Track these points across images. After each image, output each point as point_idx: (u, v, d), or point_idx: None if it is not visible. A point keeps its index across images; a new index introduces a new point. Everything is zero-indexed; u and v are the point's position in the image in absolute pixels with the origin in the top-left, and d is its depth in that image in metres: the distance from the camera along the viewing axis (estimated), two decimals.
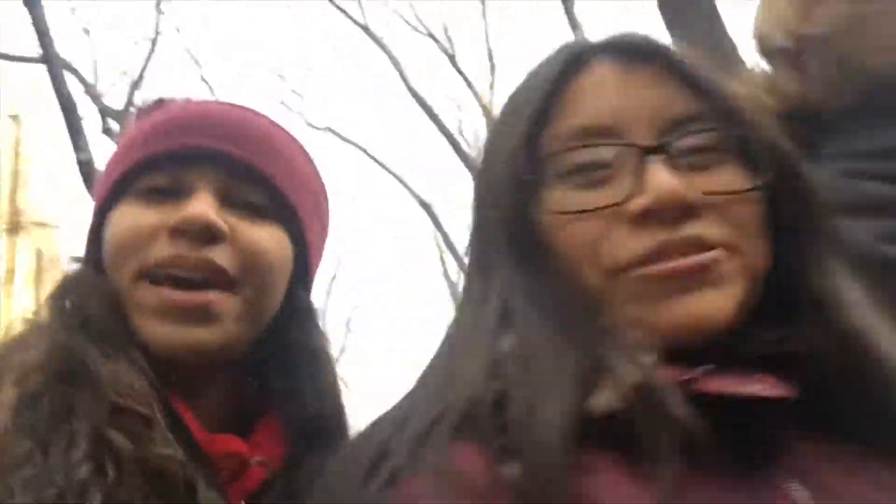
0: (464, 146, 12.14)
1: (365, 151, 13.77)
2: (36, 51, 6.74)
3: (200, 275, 0.67)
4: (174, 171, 0.70)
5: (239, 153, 0.70)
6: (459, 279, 14.94)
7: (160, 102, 0.78)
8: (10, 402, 0.59)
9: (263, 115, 0.77)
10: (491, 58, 13.11)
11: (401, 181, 13.71)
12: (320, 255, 0.82)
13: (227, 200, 0.69)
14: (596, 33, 0.66)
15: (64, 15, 11.44)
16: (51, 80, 5.83)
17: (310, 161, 0.79)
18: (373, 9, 15.45)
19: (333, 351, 0.85)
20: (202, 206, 0.67)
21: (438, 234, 14.23)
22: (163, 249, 0.67)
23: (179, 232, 0.67)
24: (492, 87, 13.02)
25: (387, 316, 29.97)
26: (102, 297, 0.68)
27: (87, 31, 10.99)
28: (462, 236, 15.69)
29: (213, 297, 0.67)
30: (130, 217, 0.69)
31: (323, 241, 0.81)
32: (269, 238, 0.71)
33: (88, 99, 8.22)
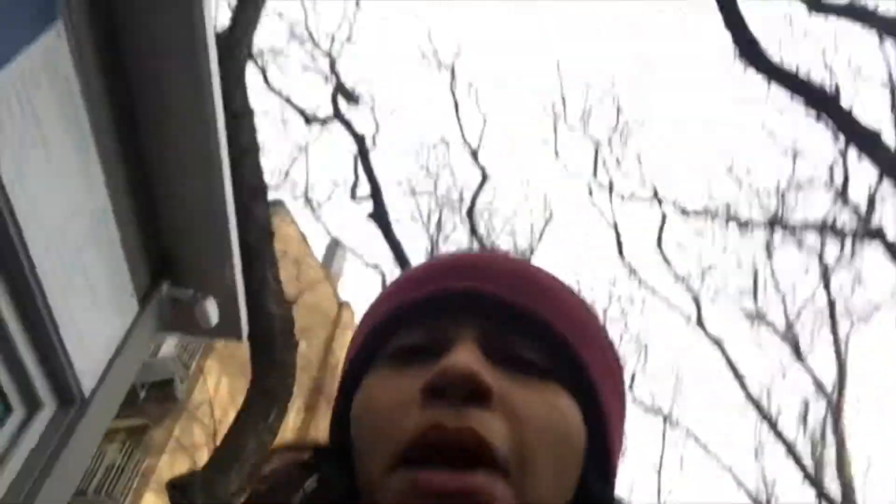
0: (803, 453, 11.57)
1: (696, 439, 13.73)
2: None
3: (461, 448, 0.50)
4: (429, 324, 0.58)
5: (508, 295, 0.58)
6: None
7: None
8: None
9: (532, 263, 0.67)
10: (839, 357, 12.62)
11: (732, 474, 13.18)
12: (621, 434, 0.64)
13: (494, 356, 0.55)
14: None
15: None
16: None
17: (594, 314, 0.65)
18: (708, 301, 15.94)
19: None
20: (464, 356, 0.53)
21: None
22: (416, 420, 0.52)
23: (436, 391, 0.52)
24: (841, 389, 12.40)
25: None
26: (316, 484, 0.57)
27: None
28: None
29: (480, 480, 0.49)
30: (380, 388, 0.57)
31: (622, 414, 0.64)
32: (550, 405, 0.55)
33: None
